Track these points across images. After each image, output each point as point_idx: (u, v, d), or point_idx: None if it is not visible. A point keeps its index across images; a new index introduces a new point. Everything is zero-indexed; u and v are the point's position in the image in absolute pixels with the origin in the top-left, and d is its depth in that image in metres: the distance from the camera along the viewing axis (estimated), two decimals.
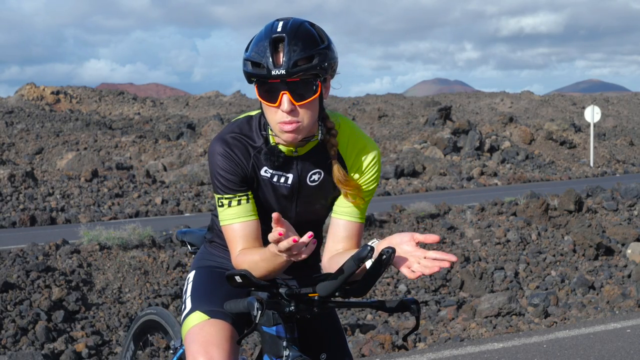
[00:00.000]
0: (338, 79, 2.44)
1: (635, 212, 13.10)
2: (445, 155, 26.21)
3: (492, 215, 12.65)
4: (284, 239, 2.07)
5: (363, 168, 2.46)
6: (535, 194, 13.43)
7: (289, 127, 2.28)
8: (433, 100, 49.46)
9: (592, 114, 28.77)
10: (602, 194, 14.61)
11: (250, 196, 2.43)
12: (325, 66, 2.27)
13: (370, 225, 11.59)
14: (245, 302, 2.20)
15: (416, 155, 25.12)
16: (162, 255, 9.44)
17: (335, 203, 2.52)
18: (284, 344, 2.29)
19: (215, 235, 2.71)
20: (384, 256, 2.13)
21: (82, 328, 7.71)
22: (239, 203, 2.41)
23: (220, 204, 2.43)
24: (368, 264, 2.14)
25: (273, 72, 2.23)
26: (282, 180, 2.44)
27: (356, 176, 2.47)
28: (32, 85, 48.60)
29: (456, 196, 18.07)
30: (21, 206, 15.96)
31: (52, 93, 48.52)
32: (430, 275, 9.92)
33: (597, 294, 9.36)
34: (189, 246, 3.11)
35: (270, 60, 2.23)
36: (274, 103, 2.27)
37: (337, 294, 2.23)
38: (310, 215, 2.53)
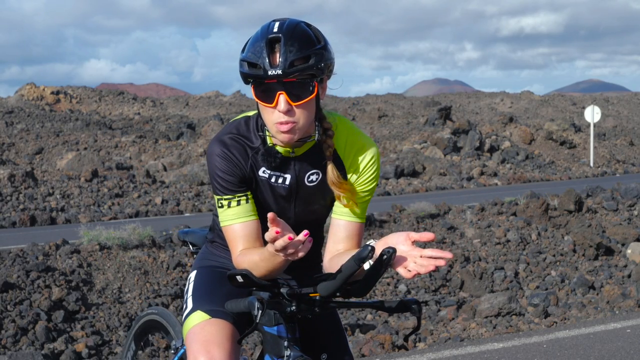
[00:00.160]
0: (337, 79, 2.44)
1: (635, 212, 13.10)
2: (445, 155, 26.21)
3: (492, 215, 12.66)
4: (280, 237, 2.08)
5: (362, 167, 2.47)
6: (535, 194, 13.43)
7: (285, 128, 2.28)
8: (433, 100, 49.46)
9: (592, 114, 28.77)
10: (602, 194, 14.61)
11: (249, 196, 2.43)
12: (322, 66, 2.27)
13: (370, 225, 11.59)
14: (246, 302, 2.20)
15: (416, 155, 25.12)
16: (162, 255, 9.44)
17: (335, 203, 2.52)
18: (285, 343, 2.29)
19: (216, 235, 2.71)
20: (385, 256, 2.13)
21: (82, 328, 7.71)
22: (238, 203, 2.41)
23: (220, 205, 2.43)
24: (366, 265, 2.15)
25: (269, 73, 2.23)
26: (280, 180, 2.45)
27: (355, 176, 2.47)
28: (32, 85, 48.59)
29: (456, 196, 18.07)
30: (21, 206, 15.97)
31: (52, 93, 48.52)
32: (430, 275, 9.92)
33: (597, 294, 9.36)
34: (190, 246, 3.11)
35: (267, 60, 2.23)
36: (271, 103, 2.27)
37: (338, 294, 2.23)
38: (310, 216, 2.53)
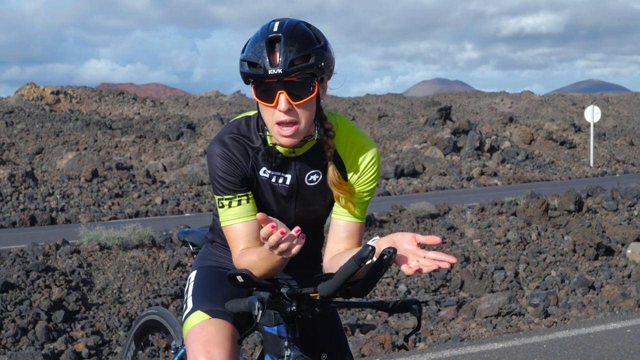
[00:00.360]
0: (337, 79, 2.44)
1: (635, 212, 13.10)
2: (445, 155, 26.21)
3: (492, 215, 12.66)
4: (274, 232, 2.08)
5: (362, 168, 2.47)
6: (535, 194, 13.43)
7: (287, 132, 2.28)
8: (433, 100, 49.48)
9: (592, 114, 28.77)
10: (602, 194, 14.61)
11: (250, 196, 2.43)
12: (322, 66, 2.27)
13: (370, 225, 11.59)
14: (246, 302, 2.20)
15: (416, 155, 25.12)
16: (162, 255, 9.44)
17: (335, 203, 2.52)
18: (286, 343, 2.29)
19: (216, 235, 2.71)
20: (385, 256, 2.13)
21: (82, 328, 7.71)
22: (239, 203, 2.41)
23: (220, 205, 2.43)
24: (368, 261, 2.14)
25: (270, 72, 2.23)
26: (281, 180, 2.45)
27: (355, 176, 2.47)
28: (32, 85, 48.60)
29: (456, 196, 18.07)
30: (21, 206, 15.97)
31: (52, 93, 48.52)
32: (430, 275, 9.92)
33: (597, 294, 9.36)
34: (190, 246, 3.11)
35: (267, 60, 2.23)
36: (271, 103, 2.27)
37: (338, 294, 2.23)
38: (310, 216, 2.53)
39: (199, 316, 2.47)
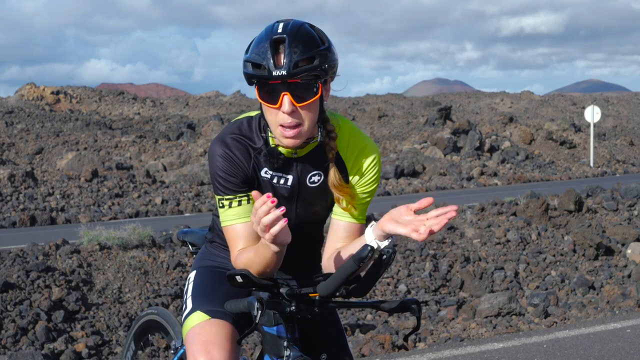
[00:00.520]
0: (340, 81, 2.44)
1: (635, 212, 13.09)
2: (445, 155, 26.21)
3: (492, 215, 12.65)
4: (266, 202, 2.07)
5: (363, 169, 2.47)
6: (535, 194, 13.43)
7: (290, 133, 2.28)
8: (433, 100, 49.49)
9: (592, 114, 28.77)
10: (602, 194, 14.61)
11: (251, 197, 2.43)
12: (326, 67, 2.27)
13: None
14: (245, 302, 2.20)
15: (416, 155, 25.12)
16: (162, 255, 9.44)
17: (335, 204, 2.52)
18: (285, 344, 2.29)
19: (216, 235, 2.71)
20: (385, 256, 2.13)
21: (82, 328, 7.71)
22: (239, 204, 2.41)
23: (221, 205, 2.43)
24: (367, 249, 2.12)
25: (274, 73, 2.22)
26: (282, 181, 2.45)
27: (356, 177, 2.47)
28: (32, 85, 48.60)
29: (456, 196, 18.07)
30: (21, 206, 15.97)
31: (52, 93, 48.52)
32: (430, 275, 9.92)
33: (597, 294, 9.36)
34: (190, 246, 3.11)
35: (271, 61, 2.23)
36: (275, 104, 2.26)
37: (337, 294, 2.23)
38: (311, 216, 2.53)
39: (199, 316, 2.47)
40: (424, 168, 24.25)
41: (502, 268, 10.41)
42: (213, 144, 2.43)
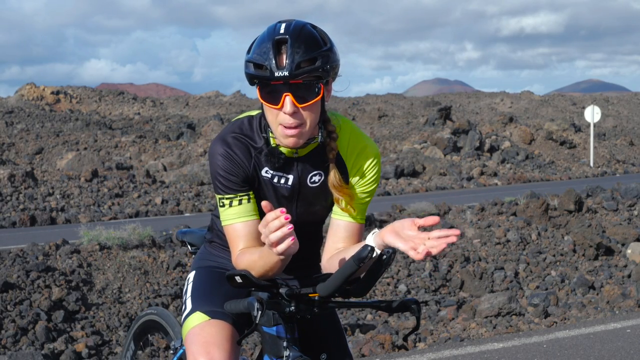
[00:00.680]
0: (341, 82, 2.44)
1: (635, 212, 13.09)
2: (445, 155, 26.21)
3: (492, 215, 12.65)
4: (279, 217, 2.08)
5: (364, 169, 2.47)
6: (535, 194, 13.43)
7: (291, 132, 2.28)
8: (433, 100, 49.49)
9: (592, 114, 28.77)
10: (602, 194, 14.61)
11: (251, 196, 2.43)
12: (328, 68, 2.27)
13: (370, 225, 11.58)
14: (245, 303, 2.20)
15: (416, 155, 25.12)
16: (162, 255, 9.43)
17: (335, 204, 2.52)
18: (285, 344, 2.29)
19: (215, 235, 2.71)
20: (384, 257, 2.13)
21: (82, 328, 7.70)
22: (240, 203, 2.41)
23: (221, 204, 2.43)
24: (367, 250, 2.12)
25: (276, 74, 2.22)
26: (283, 181, 2.45)
27: (356, 177, 2.47)
28: (32, 85, 48.62)
29: (456, 196, 18.07)
30: (21, 206, 15.97)
31: (52, 93, 48.53)
32: (430, 275, 9.92)
33: (597, 294, 9.35)
34: (189, 246, 3.11)
35: (273, 62, 2.23)
36: (277, 105, 2.26)
37: (337, 294, 2.23)
38: (311, 216, 2.53)
39: (199, 317, 2.47)
40: (424, 168, 24.25)
41: (502, 268, 10.41)
42: (214, 143, 2.43)
